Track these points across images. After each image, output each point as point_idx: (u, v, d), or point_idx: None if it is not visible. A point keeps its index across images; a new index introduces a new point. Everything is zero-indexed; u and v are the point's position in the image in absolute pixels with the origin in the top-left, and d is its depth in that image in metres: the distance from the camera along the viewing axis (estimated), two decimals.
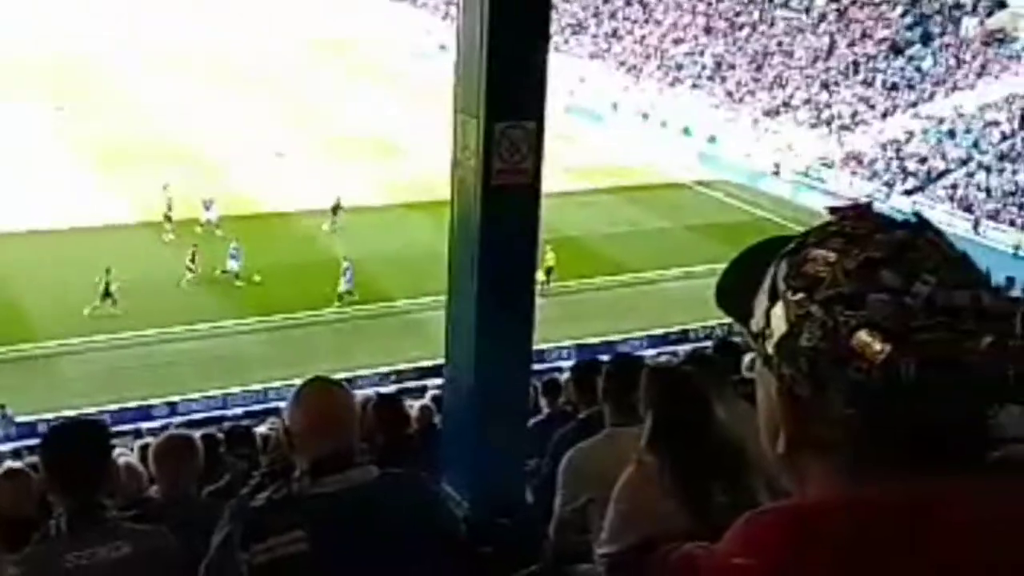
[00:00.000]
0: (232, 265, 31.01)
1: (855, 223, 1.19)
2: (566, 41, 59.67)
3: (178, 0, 72.44)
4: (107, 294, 28.19)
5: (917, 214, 1.22)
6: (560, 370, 16.95)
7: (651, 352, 24.15)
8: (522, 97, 6.90)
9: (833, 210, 1.22)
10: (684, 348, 23.85)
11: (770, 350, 1.20)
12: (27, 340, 26.73)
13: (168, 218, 34.06)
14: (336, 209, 35.39)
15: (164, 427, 19.03)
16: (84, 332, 27.14)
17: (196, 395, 24.66)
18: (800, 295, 1.16)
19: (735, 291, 1.29)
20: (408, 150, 44.38)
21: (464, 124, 6.92)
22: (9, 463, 12.12)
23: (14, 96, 49.11)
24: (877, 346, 1.11)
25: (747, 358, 9.61)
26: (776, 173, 44.76)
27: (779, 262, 1.21)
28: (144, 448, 9.53)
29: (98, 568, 3.30)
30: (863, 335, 1.11)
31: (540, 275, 30.53)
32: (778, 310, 1.18)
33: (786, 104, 50.85)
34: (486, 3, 6.53)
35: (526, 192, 7.05)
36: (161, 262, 31.49)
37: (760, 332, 1.22)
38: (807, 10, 56.83)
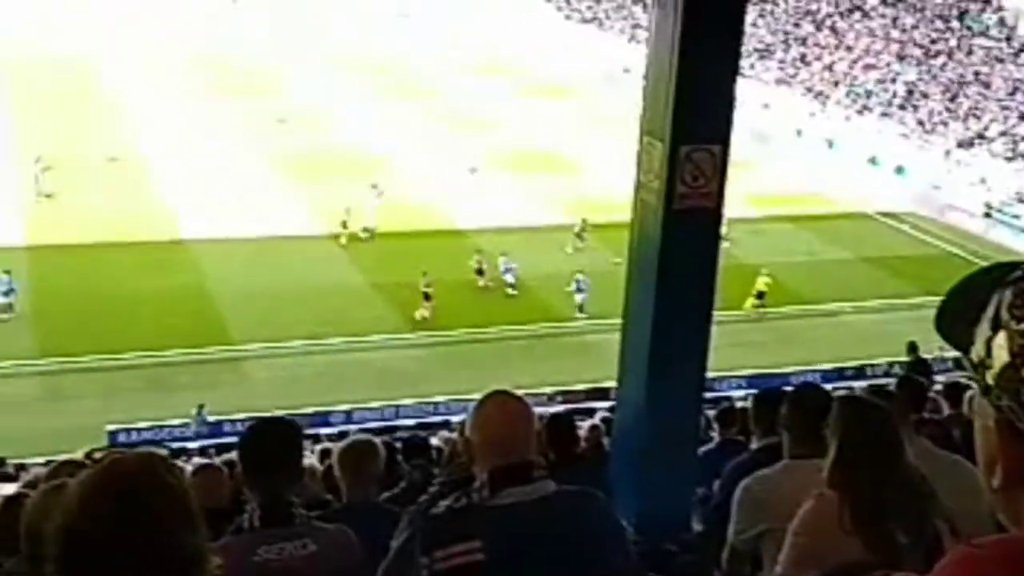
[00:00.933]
0: (508, 278, 32.43)
1: None
2: (752, 66, 58.77)
3: (363, 20, 75.51)
4: (426, 296, 29.92)
5: None
6: (730, 399, 16.66)
7: (827, 387, 23.41)
8: (709, 121, 6.85)
9: None
10: (860, 384, 23.09)
11: (990, 380, 1.16)
12: (223, 343, 27.97)
13: (344, 224, 35.54)
14: (583, 227, 35.62)
15: (341, 434, 19.63)
16: (276, 337, 28.19)
17: (371, 404, 25.36)
18: None
19: (956, 318, 1.25)
20: (590, 172, 44.80)
21: (649, 146, 6.92)
22: (197, 459, 12.74)
23: (240, 102, 52.46)
24: None
25: (932, 393, 9.27)
26: (987, 215, 42.63)
27: (1004, 290, 1.17)
28: (324, 452, 9.88)
29: (286, 563, 3.44)
30: None
31: (750, 300, 31.35)
32: (1000, 340, 1.15)
33: (981, 136, 48.66)
34: (678, 28, 6.51)
35: (708, 217, 6.99)
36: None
37: (980, 362, 1.18)
38: (1008, 39, 54.33)
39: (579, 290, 30.68)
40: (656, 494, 6.96)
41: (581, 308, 30.52)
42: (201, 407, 24.00)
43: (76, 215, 35.89)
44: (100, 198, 37.58)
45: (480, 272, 32.40)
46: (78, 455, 10.78)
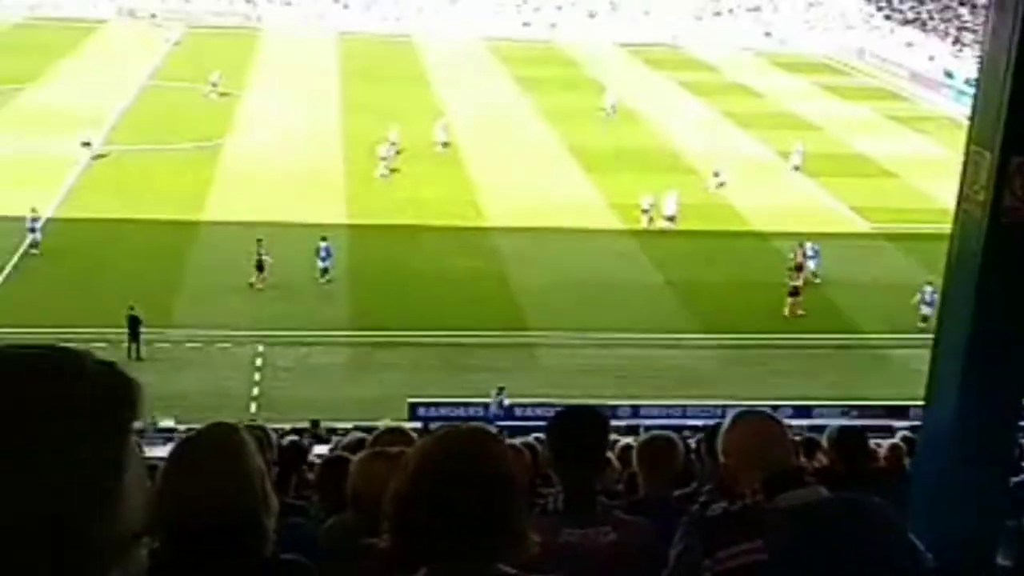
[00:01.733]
0: (812, 265, 32.12)
1: None
2: None
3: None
4: (794, 292, 30.05)
5: None
6: None
7: None
8: None
9: None
10: None
11: None
12: (519, 329, 28.74)
13: (647, 217, 36.17)
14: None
15: (628, 428, 19.83)
16: (570, 327, 28.60)
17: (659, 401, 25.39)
18: None
19: None
20: (904, 177, 43.08)
21: (977, 155, 6.55)
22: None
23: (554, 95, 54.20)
24: None
25: None
26: None
27: None
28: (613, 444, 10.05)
29: (587, 548, 3.57)
30: None
31: None
32: None
33: None
34: (1017, 31, 6.14)
35: None
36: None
37: None
38: None
39: (925, 302, 28.68)
40: (958, 520, 6.61)
41: (925, 320, 28.21)
42: (501, 389, 24.79)
43: (401, 195, 38.16)
44: (424, 180, 39.81)
45: (798, 268, 31.31)
46: (389, 423, 11.51)
